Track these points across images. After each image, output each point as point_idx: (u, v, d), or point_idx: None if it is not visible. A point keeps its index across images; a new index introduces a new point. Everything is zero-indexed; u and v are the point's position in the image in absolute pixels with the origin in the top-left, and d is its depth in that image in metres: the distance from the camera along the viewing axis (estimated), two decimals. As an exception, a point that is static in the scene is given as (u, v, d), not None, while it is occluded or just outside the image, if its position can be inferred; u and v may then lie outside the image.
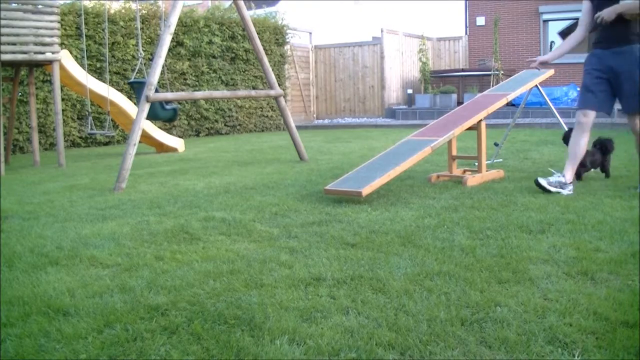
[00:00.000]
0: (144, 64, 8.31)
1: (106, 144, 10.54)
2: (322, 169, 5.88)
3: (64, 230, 3.45)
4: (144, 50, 10.69)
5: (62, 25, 9.31)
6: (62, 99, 9.14)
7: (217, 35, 12.09)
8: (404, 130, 10.41)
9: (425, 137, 4.60)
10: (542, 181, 4.12)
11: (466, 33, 15.85)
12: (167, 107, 7.59)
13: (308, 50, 15.59)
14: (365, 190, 3.94)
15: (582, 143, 4.29)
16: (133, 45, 10.63)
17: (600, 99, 4.18)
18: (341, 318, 1.98)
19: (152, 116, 7.72)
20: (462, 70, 15.06)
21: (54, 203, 4.40)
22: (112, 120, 8.82)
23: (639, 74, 4.00)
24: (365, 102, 15.35)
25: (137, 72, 8.54)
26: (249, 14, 6.64)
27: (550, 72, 5.44)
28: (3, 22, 6.68)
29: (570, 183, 4.13)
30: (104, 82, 8.78)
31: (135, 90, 7.63)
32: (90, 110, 8.62)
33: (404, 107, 14.59)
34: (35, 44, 7.05)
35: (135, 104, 7.98)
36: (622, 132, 9.53)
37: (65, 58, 7.78)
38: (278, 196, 4.34)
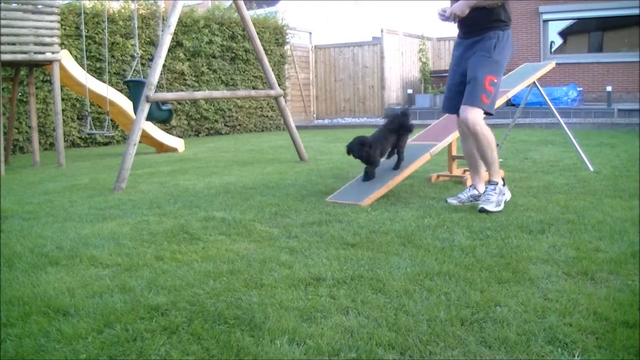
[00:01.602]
0: (143, 63, 8.31)
1: (106, 144, 10.54)
2: (322, 169, 5.88)
3: (64, 230, 3.45)
4: (143, 51, 10.70)
5: (62, 25, 9.31)
6: (62, 99, 9.14)
7: (217, 35, 12.09)
8: (404, 130, 10.38)
9: (424, 142, 4.57)
10: (453, 200, 3.85)
11: (466, 33, 15.83)
12: (163, 107, 7.58)
13: (308, 50, 15.59)
14: (366, 202, 3.91)
15: (470, 147, 3.88)
16: (132, 45, 10.62)
17: (458, 100, 3.73)
18: (341, 318, 1.98)
19: (147, 116, 7.70)
20: (462, 70, 15.04)
21: (54, 203, 4.40)
22: (111, 120, 8.82)
23: (484, 63, 3.56)
24: (365, 102, 15.35)
25: (133, 72, 8.55)
26: (249, 14, 6.64)
27: (552, 64, 5.36)
28: (3, 22, 6.69)
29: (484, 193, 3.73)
30: (103, 82, 8.78)
31: (130, 89, 7.62)
32: (89, 110, 8.62)
33: (404, 107, 14.59)
34: (35, 44, 7.05)
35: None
36: (622, 131, 9.53)
37: (65, 58, 7.78)
38: (278, 196, 4.34)
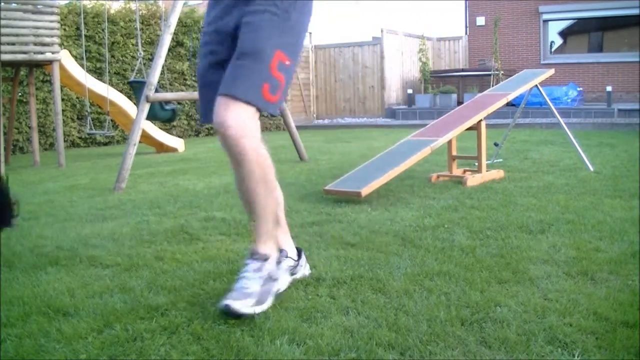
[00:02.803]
0: (144, 64, 8.32)
1: (106, 144, 10.54)
2: (322, 169, 5.88)
3: (64, 230, 3.45)
4: (144, 51, 10.71)
5: (62, 25, 9.31)
6: (62, 99, 9.14)
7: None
8: (404, 130, 10.40)
9: (425, 137, 4.61)
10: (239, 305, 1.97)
11: (466, 33, 15.85)
12: (167, 107, 7.61)
13: (308, 50, 15.58)
14: (365, 191, 3.94)
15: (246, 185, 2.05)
16: (133, 45, 10.62)
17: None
18: (341, 318, 1.98)
19: (151, 116, 7.74)
20: (462, 70, 15.07)
21: (54, 203, 4.40)
22: (111, 121, 8.82)
23: (273, 26, 2.02)
24: (365, 102, 15.34)
25: (136, 72, 8.56)
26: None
27: (550, 71, 5.44)
28: (3, 22, 6.69)
29: (284, 256, 2.22)
30: (104, 82, 8.78)
31: (134, 90, 7.65)
32: (89, 110, 8.62)
33: (404, 107, 14.59)
34: (35, 44, 7.05)
35: (134, 104, 8.01)
36: (622, 131, 9.53)
37: (65, 58, 7.78)
38: (278, 196, 4.33)
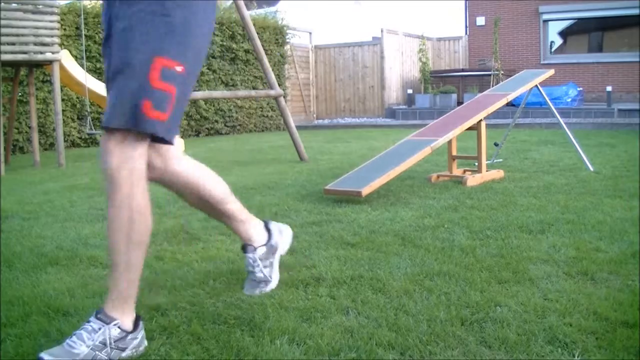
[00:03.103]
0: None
1: (106, 144, 10.53)
2: (322, 169, 5.88)
3: (64, 230, 3.45)
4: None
5: (62, 25, 9.31)
6: (62, 99, 9.13)
7: (217, 35, 12.09)
8: (404, 130, 10.40)
9: (425, 137, 4.61)
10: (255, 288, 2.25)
11: (466, 33, 15.86)
12: None
13: (308, 50, 15.59)
14: (365, 190, 3.94)
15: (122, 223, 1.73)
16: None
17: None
18: (341, 318, 1.98)
19: None
20: (462, 70, 15.07)
21: (54, 203, 4.40)
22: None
23: (147, 29, 1.68)
24: (365, 102, 15.35)
25: None
26: (248, 14, 6.64)
27: (550, 72, 5.44)
28: (3, 22, 6.68)
29: (132, 334, 1.76)
30: (103, 82, 8.77)
31: None
32: (89, 110, 8.62)
33: (404, 107, 14.59)
34: (35, 44, 7.05)
35: None
36: (622, 131, 9.53)
37: (65, 58, 7.78)
38: (278, 196, 4.34)
